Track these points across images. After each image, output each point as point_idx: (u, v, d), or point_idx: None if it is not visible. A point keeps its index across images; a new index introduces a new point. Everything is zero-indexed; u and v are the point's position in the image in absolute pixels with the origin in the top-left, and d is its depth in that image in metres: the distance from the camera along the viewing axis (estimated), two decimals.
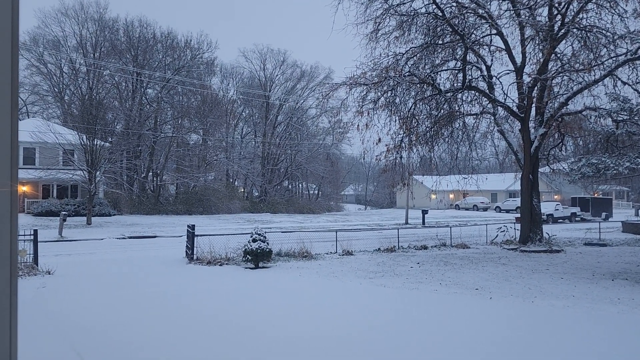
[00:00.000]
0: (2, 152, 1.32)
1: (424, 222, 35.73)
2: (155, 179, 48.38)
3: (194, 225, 16.21)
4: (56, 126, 37.29)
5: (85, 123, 32.75)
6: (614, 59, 17.90)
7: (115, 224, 31.00)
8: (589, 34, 18.38)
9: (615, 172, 14.70)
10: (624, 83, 18.60)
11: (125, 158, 44.46)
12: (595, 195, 53.63)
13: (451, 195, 66.32)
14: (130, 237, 24.38)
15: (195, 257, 15.30)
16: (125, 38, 49.84)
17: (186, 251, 16.06)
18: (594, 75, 18.34)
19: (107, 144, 37.22)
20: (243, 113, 64.18)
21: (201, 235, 15.95)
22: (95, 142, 31.06)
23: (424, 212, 37.21)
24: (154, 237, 25.00)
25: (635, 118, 16.38)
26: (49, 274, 12.34)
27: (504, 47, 19.96)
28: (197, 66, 53.13)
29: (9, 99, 1.34)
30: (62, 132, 34.80)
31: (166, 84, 49.24)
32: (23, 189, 36.27)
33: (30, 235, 13.08)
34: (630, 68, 18.18)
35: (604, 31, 18.04)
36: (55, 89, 51.31)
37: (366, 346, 6.67)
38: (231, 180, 60.11)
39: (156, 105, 49.25)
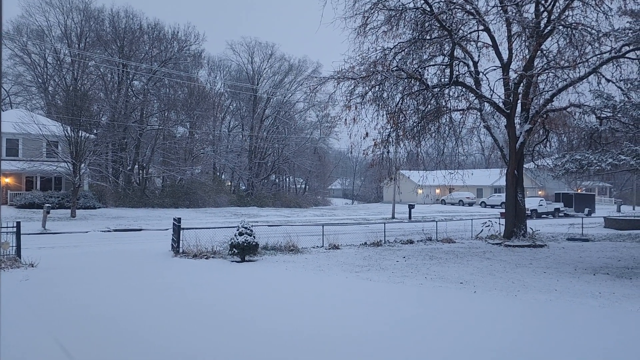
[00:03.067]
0: None
1: (410, 217, 35.92)
2: (141, 171, 48.00)
3: (180, 218, 16.12)
4: (40, 117, 36.76)
5: (70, 114, 32.33)
6: (599, 56, 18.13)
7: (101, 217, 30.72)
8: (574, 31, 18.58)
9: (598, 168, 14.91)
10: (608, 80, 18.85)
11: (111, 150, 44.03)
12: (579, 191, 54.41)
13: (437, 190, 66.77)
14: (116, 230, 24.18)
15: (181, 251, 15.23)
16: (111, 29, 49.21)
17: (172, 244, 15.98)
18: (579, 73, 18.54)
19: (92, 136, 36.79)
20: (230, 106, 63.87)
21: (187, 229, 15.87)
22: (79, 134, 30.68)
23: (411, 206, 37.41)
24: (140, 230, 24.81)
25: (619, 115, 16.62)
26: (32, 266, 12.21)
27: (491, 43, 20.08)
28: (184, 58, 52.66)
29: None
30: (46, 123, 34.32)
31: (153, 76, 48.77)
32: (6, 180, 35.77)
33: (13, 227, 12.91)
34: (615, 65, 18.43)
35: (589, 29, 18.24)
36: (39, 80, 50.53)
37: (350, 339, 6.71)
38: (218, 173, 59.86)
39: (142, 97, 48.78)
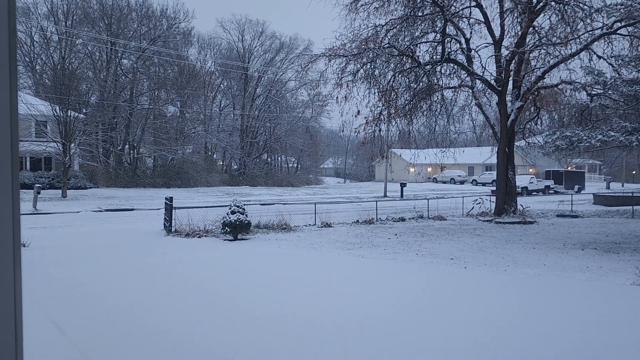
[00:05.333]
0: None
1: (402, 195, 36.08)
2: (132, 151, 47.65)
3: (171, 197, 16.10)
4: (28, 97, 36.23)
5: (58, 94, 31.89)
6: (590, 33, 18.09)
7: (92, 197, 30.59)
8: (566, 7, 18.49)
9: (587, 144, 15.01)
10: (599, 57, 18.85)
11: (101, 130, 43.54)
12: (569, 168, 54.81)
13: (429, 169, 67.01)
14: (107, 210, 24.12)
15: (173, 230, 15.25)
16: (98, 6, 48.20)
17: (164, 223, 15.98)
18: (571, 49, 18.52)
19: (82, 115, 36.38)
20: (221, 85, 63.21)
21: (179, 208, 15.86)
22: (69, 114, 30.31)
23: (402, 185, 37.54)
24: (132, 209, 24.76)
25: (609, 92, 16.68)
26: (24, 246, 12.16)
27: (483, 19, 19.97)
28: (173, 36, 51.87)
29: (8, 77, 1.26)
30: (34, 102, 33.81)
31: (142, 55, 48.06)
32: None
33: None
34: (606, 42, 18.42)
35: (581, 4, 18.17)
36: (26, 59, 49.58)
37: (343, 315, 6.79)
38: (210, 153, 59.55)
39: (132, 76, 48.13)
